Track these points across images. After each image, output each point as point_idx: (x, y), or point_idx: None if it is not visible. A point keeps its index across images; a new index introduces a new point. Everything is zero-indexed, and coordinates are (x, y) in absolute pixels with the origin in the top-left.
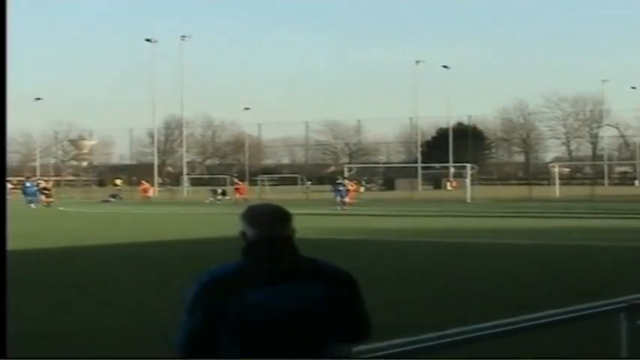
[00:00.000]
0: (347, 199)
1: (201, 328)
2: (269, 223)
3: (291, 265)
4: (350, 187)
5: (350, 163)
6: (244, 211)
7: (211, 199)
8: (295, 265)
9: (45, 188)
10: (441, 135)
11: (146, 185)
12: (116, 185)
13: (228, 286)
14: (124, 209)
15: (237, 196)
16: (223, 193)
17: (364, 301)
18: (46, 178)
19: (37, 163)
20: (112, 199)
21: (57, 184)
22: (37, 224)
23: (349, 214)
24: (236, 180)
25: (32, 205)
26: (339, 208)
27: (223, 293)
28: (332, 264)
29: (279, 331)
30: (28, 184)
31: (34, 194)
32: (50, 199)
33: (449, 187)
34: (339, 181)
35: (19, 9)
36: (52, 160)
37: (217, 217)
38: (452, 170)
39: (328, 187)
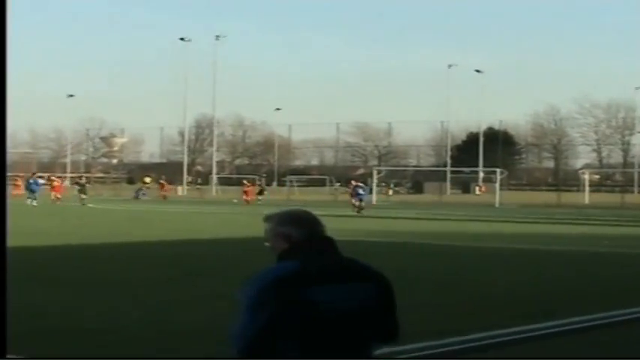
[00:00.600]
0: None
1: (266, 327)
2: (313, 223)
3: (342, 264)
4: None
5: (379, 166)
6: (283, 214)
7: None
8: (344, 263)
9: (78, 184)
10: (472, 139)
11: (164, 184)
12: (145, 183)
13: (293, 285)
14: (151, 207)
15: (244, 197)
16: (260, 193)
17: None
18: (78, 174)
19: (68, 160)
20: (142, 196)
21: (88, 180)
22: (60, 221)
23: (378, 216)
24: (245, 181)
25: (34, 202)
26: (357, 210)
27: (289, 292)
28: (369, 264)
29: (340, 328)
30: (31, 181)
31: (37, 191)
32: (83, 197)
33: (477, 192)
34: (359, 184)
35: (51, 7)
36: (83, 157)
37: (242, 217)
38: (481, 175)
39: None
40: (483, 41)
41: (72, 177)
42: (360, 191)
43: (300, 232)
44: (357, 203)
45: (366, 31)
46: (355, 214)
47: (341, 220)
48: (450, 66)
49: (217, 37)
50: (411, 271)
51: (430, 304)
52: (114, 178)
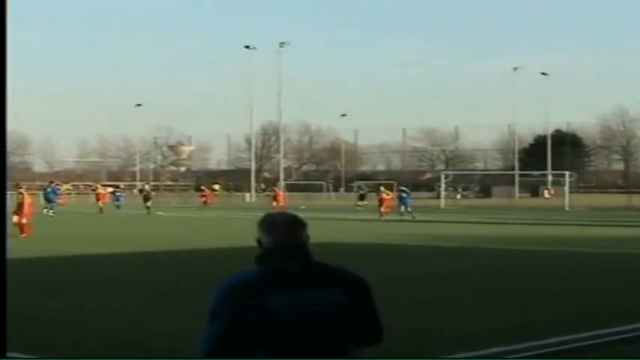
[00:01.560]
0: (382, 209)
1: (224, 334)
2: (283, 230)
3: (307, 270)
4: (385, 196)
5: (446, 170)
6: (260, 219)
7: (359, 205)
8: (310, 269)
9: (142, 191)
10: (539, 142)
11: (205, 192)
12: (214, 190)
13: (249, 291)
14: (221, 214)
15: (274, 204)
16: (362, 198)
17: (375, 304)
18: (143, 182)
19: (137, 168)
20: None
21: (154, 187)
22: (130, 229)
23: (447, 220)
24: (275, 188)
25: (50, 212)
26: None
27: (244, 299)
28: (345, 268)
29: (299, 334)
30: (49, 189)
31: (54, 200)
32: (148, 205)
33: (546, 195)
34: (403, 189)
35: (118, 18)
36: (152, 166)
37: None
38: (550, 178)
39: (422, 193)
40: (549, 43)
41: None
42: (404, 195)
43: (267, 239)
44: (402, 209)
45: (430, 36)
46: (379, 219)
47: (408, 225)
48: (515, 69)
49: (281, 44)
50: (481, 273)
51: (498, 305)
52: (182, 185)
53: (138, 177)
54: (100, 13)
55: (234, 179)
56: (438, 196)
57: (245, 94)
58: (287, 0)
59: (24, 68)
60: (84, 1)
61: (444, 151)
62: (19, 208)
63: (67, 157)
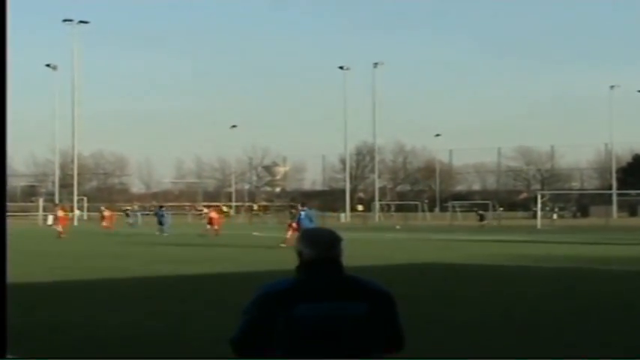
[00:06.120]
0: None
1: (248, 330)
2: (322, 246)
3: (336, 283)
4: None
5: (542, 190)
6: (302, 233)
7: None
8: (340, 283)
9: (251, 208)
10: (637, 161)
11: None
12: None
13: (279, 299)
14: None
15: (208, 227)
16: (481, 218)
17: (399, 316)
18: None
19: (233, 189)
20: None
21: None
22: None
23: (542, 241)
24: (222, 206)
25: None
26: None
27: (274, 305)
28: (373, 282)
29: (322, 343)
30: None
31: None
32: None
33: None
34: (301, 208)
35: (220, 42)
36: (247, 186)
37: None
38: None
39: (518, 213)
40: None
41: (237, 206)
42: (302, 215)
43: (306, 252)
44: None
45: (525, 54)
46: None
47: (506, 245)
48: (612, 87)
49: (375, 64)
50: (582, 296)
51: (598, 329)
52: (277, 206)
53: (234, 198)
54: (195, 35)
55: (329, 199)
56: (535, 216)
57: (340, 115)
58: (381, 20)
59: (123, 90)
60: (181, 22)
61: (539, 170)
62: None
63: (165, 178)
